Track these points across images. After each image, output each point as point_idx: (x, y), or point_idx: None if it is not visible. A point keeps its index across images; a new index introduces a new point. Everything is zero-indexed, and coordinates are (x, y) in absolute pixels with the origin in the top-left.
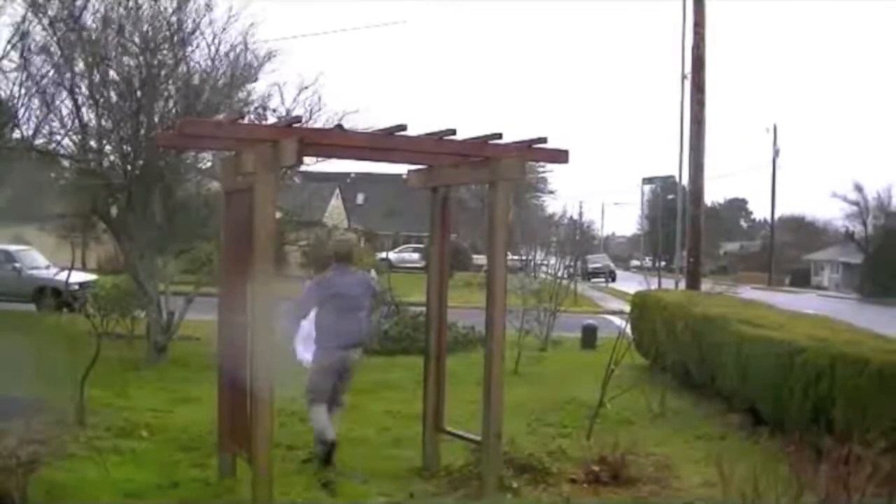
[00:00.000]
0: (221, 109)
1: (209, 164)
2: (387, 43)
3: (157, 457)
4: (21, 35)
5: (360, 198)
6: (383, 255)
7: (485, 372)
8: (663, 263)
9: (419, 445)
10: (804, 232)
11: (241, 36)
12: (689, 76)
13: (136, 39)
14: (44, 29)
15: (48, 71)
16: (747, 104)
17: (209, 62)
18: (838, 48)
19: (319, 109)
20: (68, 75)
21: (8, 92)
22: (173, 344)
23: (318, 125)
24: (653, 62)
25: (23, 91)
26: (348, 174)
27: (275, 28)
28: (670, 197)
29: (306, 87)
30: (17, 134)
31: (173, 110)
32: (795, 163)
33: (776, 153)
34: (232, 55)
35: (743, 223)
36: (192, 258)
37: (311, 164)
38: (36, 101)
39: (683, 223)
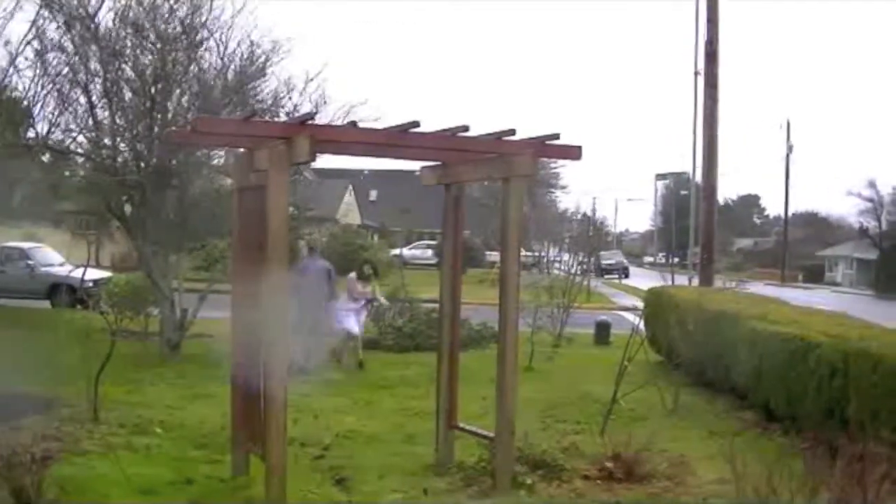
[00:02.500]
0: (233, 106)
1: (222, 161)
2: (397, 39)
3: (171, 453)
4: (36, 33)
5: (373, 194)
6: (396, 251)
7: (498, 368)
8: (676, 260)
9: (432, 442)
10: (818, 228)
11: (247, 32)
12: (702, 72)
13: (152, 37)
14: (59, 27)
15: (63, 69)
16: (761, 100)
17: (219, 60)
18: (852, 43)
19: (325, 103)
20: (83, 73)
21: (23, 90)
22: (187, 341)
23: (326, 119)
24: (666, 58)
25: (38, 89)
26: (361, 171)
27: (282, 24)
28: (683, 193)
29: (311, 80)
30: (31, 132)
31: (187, 108)
32: (809, 158)
33: (789, 149)
34: (240, 52)
35: (756, 219)
36: (205, 255)
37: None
38: (51, 100)
39: (696, 219)
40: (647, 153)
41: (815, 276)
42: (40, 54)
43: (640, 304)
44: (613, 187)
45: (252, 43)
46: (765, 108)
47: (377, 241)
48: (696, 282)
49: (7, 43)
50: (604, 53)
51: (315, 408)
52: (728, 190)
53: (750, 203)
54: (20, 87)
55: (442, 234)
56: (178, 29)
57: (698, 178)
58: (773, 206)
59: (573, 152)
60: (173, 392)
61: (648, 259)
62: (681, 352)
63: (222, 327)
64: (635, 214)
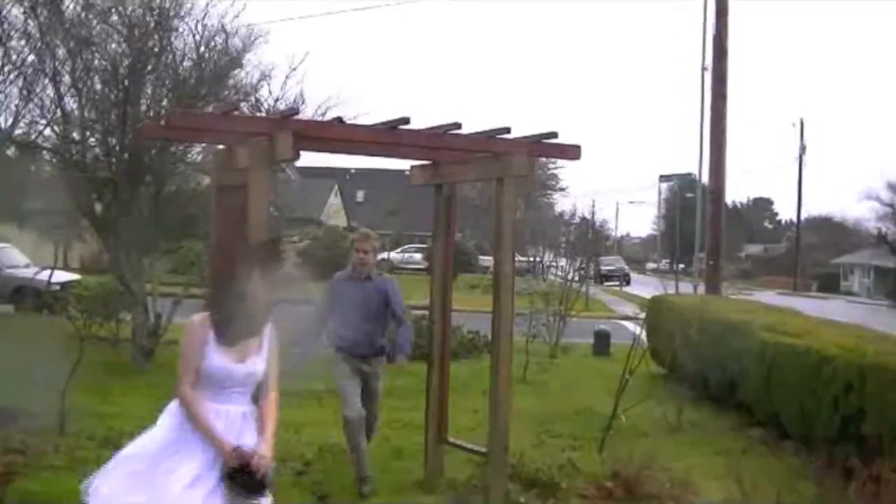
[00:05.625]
0: (210, 99)
1: (199, 157)
2: (387, 29)
3: None
4: None
5: (360, 195)
6: (384, 255)
7: (491, 380)
8: (681, 266)
9: (421, 457)
10: (832, 233)
11: (223, 20)
12: (710, 67)
13: (121, 24)
14: (24, 11)
15: (28, 56)
16: (772, 98)
17: (194, 49)
18: (868, 38)
19: (304, 102)
20: (49, 62)
21: None
22: (160, 348)
23: (309, 114)
24: (672, 53)
25: (0, 77)
26: (348, 170)
27: (259, 12)
28: (689, 196)
29: (294, 70)
30: None
31: (162, 100)
32: (823, 160)
33: (803, 149)
34: (216, 40)
35: (767, 224)
36: (180, 258)
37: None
38: (14, 89)
39: (703, 224)
40: (650, 153)
41: (830, 284)
42: (2, 40)
43: (642, 313)
44: (614, 189)
45: (226, 30)
46: (776, 106)
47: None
48: (701, 289)
49: None
50: (605, 49)
51: (296, 421)
52: (737, 193)
53: (761, 207)
54: None
55: (432, 237)
56: (148, 15)
57: (705, 179)
58: (785, 210)
59: (572, 152)
60: (146, 403)
61: (651, 265)
62: (685, 364)
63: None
64: (637, 218)
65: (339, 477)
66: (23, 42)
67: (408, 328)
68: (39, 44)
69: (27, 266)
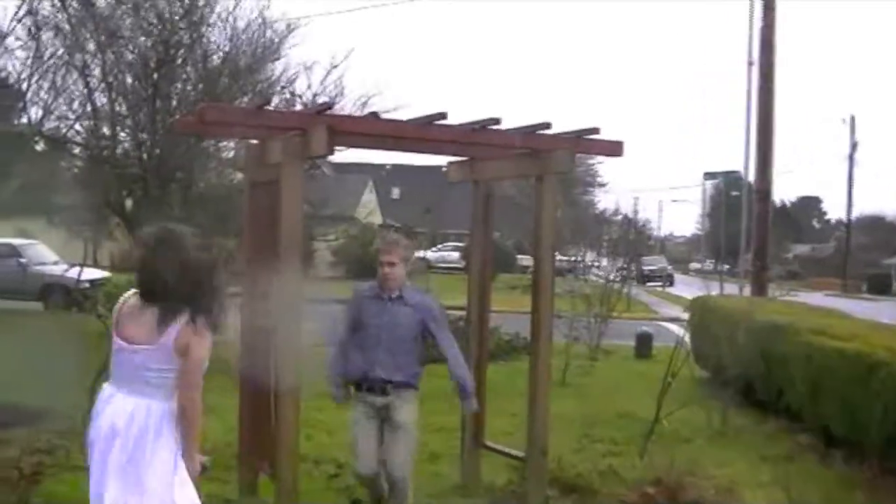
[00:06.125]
0: (243, 93)
1: (232, 153)
2: (420, 23)
3: None
4: (29, 10)
5: (395, 192)
6: (421, 254)
7: (529, 382)
8: (726, 267)
9: (458, 461)
10: (884, 233)
11: (257, 11)
12: (757, 62)
13: (152, 17)
14: (53, 4)
15: (58, 50)
16: (822, 94)
17: (227, 41)
18: None
19: (342, 94)
20: (79, 55)
21: (14, 72)
22: None
23: (344, 108)
24: (716, 47)
25: (31, 72)
26: (383, 166)
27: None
28: (734, 194)
29: (336, 66)
30: (23, 118)
31: (192, 94)
32: (875, 158)
33: (854, 147)
34: (250, 32)
35: (815, 223)
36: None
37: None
38: (45, 84)
39: (748, 223)
40: (694, 150)
41: (881, 286)
42: (33, 34)
43: (685, 315)
44: (657, 187)
45: (264, 22)
46: (826, 102)
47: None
48: (747, 291)
49: None
50: (649, 43)
51: (330, 423)
52: (785, 190)
53: (809, 206)
54: (11, 70)
55: (470, 236)
56: (179, 7)
57: (751, 177)
58: (834, 210)
59: (614, 148)
60: None
61: (695, 265)
62: (729, 367)
63: (230, 334)
64: (681, 217)
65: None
66: (53, 36)
67: (460, 360)
68: (69, 38)
69: (56, 263)
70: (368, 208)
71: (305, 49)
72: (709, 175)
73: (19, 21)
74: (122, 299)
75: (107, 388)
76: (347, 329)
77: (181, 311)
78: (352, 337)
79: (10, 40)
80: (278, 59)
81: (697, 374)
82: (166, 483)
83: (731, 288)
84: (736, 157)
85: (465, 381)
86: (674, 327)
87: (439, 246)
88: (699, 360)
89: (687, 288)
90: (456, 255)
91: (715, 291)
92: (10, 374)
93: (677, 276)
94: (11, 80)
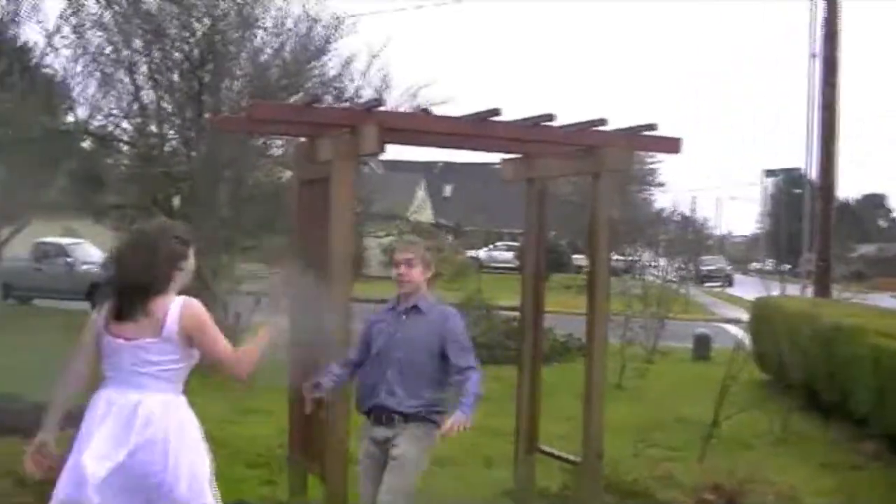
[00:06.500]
0: (291, 90)
1: (280, 151)
2: (471, 17)
3: (221, 472)
4: (74, 8)
5: (447, 189)
6: (473, 253)
7: (584, 385)
8: (787, 267)
9: (511, 466)
10: None
11: (305, 7)
12: (820, 54)
13: (199, 13)
14: (98, 1)
15: (104, 48)
16: (887, 87)
17: (275, 37)
18: None
19: (388, 86)
20: (126, 52)
21: (61, 71)
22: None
23: (391, 104)
24: (778, 40)
25: (77, 70)
26: (435, 163)
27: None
28: (796, 192)
29: (376, 56)
30: (70, 117)
31: (240, 91)
32: None
33: None
34: (298, 28)
35: (881, 222)
36: (260, 254)
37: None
38: (92, 81)
39: (811, 221)
40: (754, 147)
41: None
42: (79, 31)
43: (745, 316)
44: (716, 184)
45: (311, 18)
46: (892, 96)
47: (452, 241)
48: (809, 292)
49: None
50: (706, 37)
51: None
52: (849, 188)
53: (874, 203)
54: (57, 67)
55: (523, 235)
56: (226, 4)
57: (813, 174)
58: None
59: (671, 145)
60: (224, 405)
61: (755, 265)
62: (791, 371)
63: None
64: (740, 215)
65: (426, 486)
66: (99, 32)
67: (478, 379)
68: (116, 35)
69: (103, 262)
70: (419, 206)
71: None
72: (769, 172)
73: (65, 20)
74: (99, 310)
75: (101, 394)
76: (357, 350)
77: (159, 293)
78: (359, 360)
79: (56, 38)
80: (327, 56)
81: (758, 378)
82: (199, 490)
83: (792, 289)
84: (798, 152)
85: (471, 398)
86: (733, 329)
87: (492, 245)
88: (760, 362)
89: (747, 288)
90: (509, 254)
91: (776, 292)
92: (56, 374)
93: (736, 277)
94: (58, 78)
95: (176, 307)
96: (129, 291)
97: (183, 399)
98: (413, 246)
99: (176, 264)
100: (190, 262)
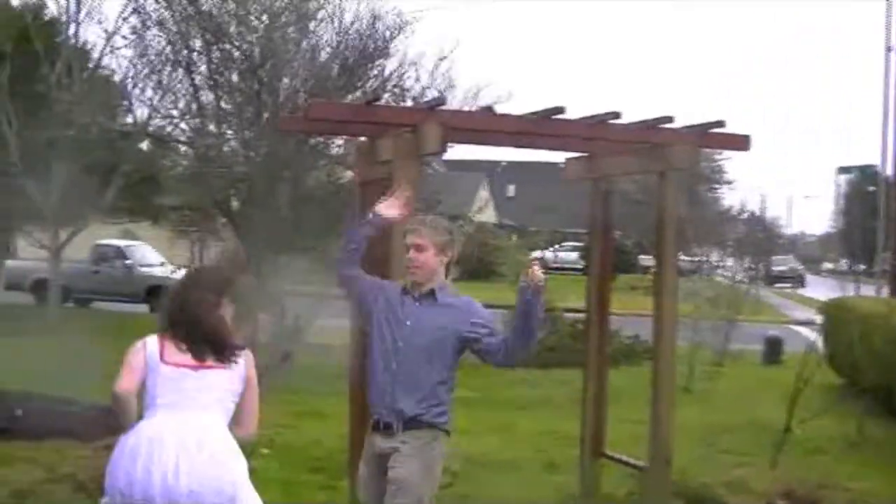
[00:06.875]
0: (352, 89)
1: (340, 151)
2: (534, 13)
3: (280, 477)
4: (135, 8)
5: (510, 189)
6: (537, 254)
7: (652, 388)
8: (861, 266)
9: (577, 471)
10: None
11: (366, 4)
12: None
13: (258, 11)
14: (157, 1)
15: (163, 48)
16: None
17: (335, 36)
18: None
19: (451, 87)
20: (185, 52)
21: (120, 72)
22: (299, 351)
23: (454, 101)
24: (850, 34)
25: (136, 70)
26: (498, 163)
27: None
28: (871, 189)
29: (444, 58)
30: (129, 117)
31: (299, 91)
32: None
33: None
34: (359, 26)
35: None
36: (321, 256)
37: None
38: (150, 82)
39: (886, 219)
40: (827, 143)
41: None
42: (138, 32)
43: (818, 318)
44: (786, 182)
45: (374, 16)
46: None
47: (515, 241)
48: (885, 292)
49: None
50: (775, 32)
51: None
52: None
53: None
54: (116, 68)
55: (588, 235)
56: (285, 2)
57: (889, 170)
58: None
59: (740, 142)
60: (283, 408)
61: (828, 266)
62: (867, 374)
63: (340, 337)
64: (812, 214)
65: (488, 490)
66: (158, 32)
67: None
68: (175, 35)
69: (162, 265)
70: (482, 206)
71: (414, 43)
72: (842, 170)
73: (125, 19)
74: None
75: (150, 421)
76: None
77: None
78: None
79: (116, 39)
80: (388, 54)
81: (832, 382)
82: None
83: (867, 289)
84: (872, 149)
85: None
86: (805, 331)
87: (556, 246)
88: (834, 365)
89: (819, 289)
90: (574, 255)
91: (850, 293)
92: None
93: (808, 277)
94: (117, 79)
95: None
96: (207, 338)
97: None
98: (424, 228)
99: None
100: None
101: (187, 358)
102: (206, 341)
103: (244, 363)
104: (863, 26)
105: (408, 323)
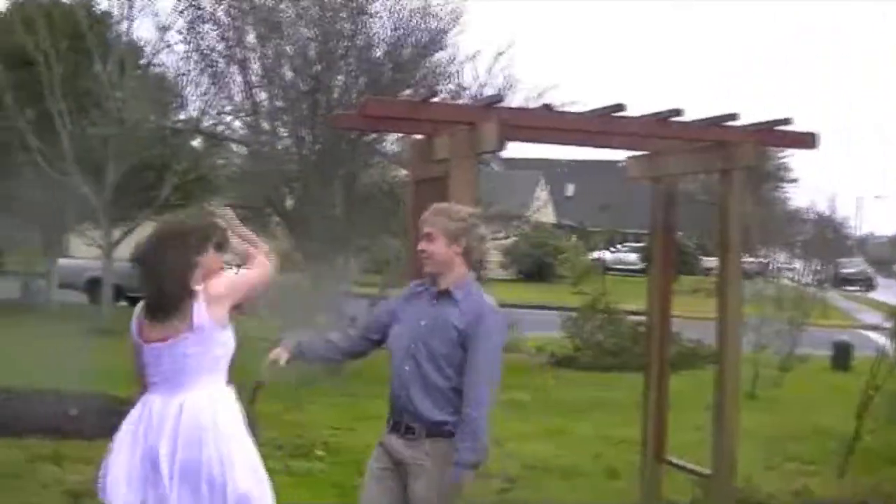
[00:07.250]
0: (408, 85)
1: (396, 148)
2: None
3: (335, 480)
4: (190, 2)
5: (569, 189)
6: (597, 255)
7: (715, 393)
8: None
9: (638, 477)
10: None
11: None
12: None
13: (313, 6)
14: None
15: (217, 44)
16: None
17: (390, 31)
18: None
19: (511, 87)
20: (239, 49)
21: (173, 68)
22: None
23: (514, 102)
24: None
25: (189, 67)
26: (557, 161)
27: None
28: None
29: (501, 54)
30: (181, 115)
31: (354, 88)
32: None
33: None
34: (414, 20)
35: None
36: (376, 256)
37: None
38: (203, 79)
39: None
40: None
41: None
42: (192, 27)
43: (889, 323)
44: (856, 181)
45: (428, 10)
46: None
47: (574, 242)
48: None
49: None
50: (842, 27)
51: (497, 433)
52: None
53: None
54: (169, 65)
55: (650, 236)
56: None
57: None
58: None
59: (806, 140)
60: (337, 411)
61: None
62: None
63: None
64: (883, 214)
65: (547, 496)
66: (212, 28)
67: (475, 423)
68: (229, 31)
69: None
70: (540, 206)
71: (472, 39)
72: None
73: (179, 13)
74: (135, 314)
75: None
76: (365, 325)
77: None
78: (362, 337)
79: (169, 35)
80: (444, 49)
81: None
82: (257, 480)
83: None
84: None
85: (468, 452)
86: (875, 336)
87: (617, 247)
88: None
89: (890, 292)
90: (634, 256)
91: None
92: None
93: (879, 280)
94: (170, 76)
95: (199, 296)
96: (160, 298)
97: (228, 390)
98: (434, 216)
99: (196, 262)
100: (208, 258)
101: (160, 330)
102: (171, 311)
103: (197, 310)
104: None
105: (423, 322)
